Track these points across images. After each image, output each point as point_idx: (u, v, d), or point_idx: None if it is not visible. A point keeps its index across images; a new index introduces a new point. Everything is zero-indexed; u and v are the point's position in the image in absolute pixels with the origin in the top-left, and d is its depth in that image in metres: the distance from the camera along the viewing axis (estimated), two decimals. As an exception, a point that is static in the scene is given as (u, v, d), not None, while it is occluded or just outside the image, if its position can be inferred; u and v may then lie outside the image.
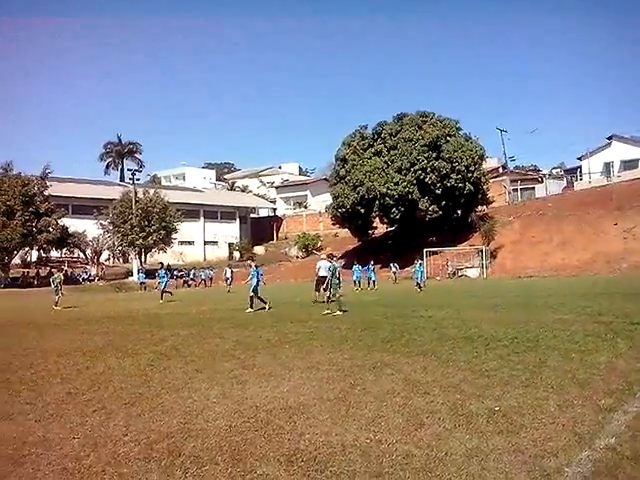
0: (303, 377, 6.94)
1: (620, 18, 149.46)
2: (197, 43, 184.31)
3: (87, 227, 50.87)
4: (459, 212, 47.80)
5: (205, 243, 66.69)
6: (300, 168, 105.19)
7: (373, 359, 7.98)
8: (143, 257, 51.75)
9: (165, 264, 29.08)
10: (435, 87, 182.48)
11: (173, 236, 52.57)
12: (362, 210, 45.55)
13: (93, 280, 49.30)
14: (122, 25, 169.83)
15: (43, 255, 51.43)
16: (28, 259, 52.28)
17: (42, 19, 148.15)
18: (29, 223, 45.26)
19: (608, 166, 55.86)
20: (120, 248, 52.98)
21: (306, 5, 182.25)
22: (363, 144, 47.46)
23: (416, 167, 43.15)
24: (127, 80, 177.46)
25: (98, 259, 53.77)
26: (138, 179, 53.09)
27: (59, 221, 47.94)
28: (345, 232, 54.79)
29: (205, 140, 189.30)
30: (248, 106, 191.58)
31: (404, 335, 10.39)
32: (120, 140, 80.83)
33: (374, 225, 50.27)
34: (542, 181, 59.47)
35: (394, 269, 37.50)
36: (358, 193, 44.65)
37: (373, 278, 31.82)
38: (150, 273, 40.87)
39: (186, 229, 57.11)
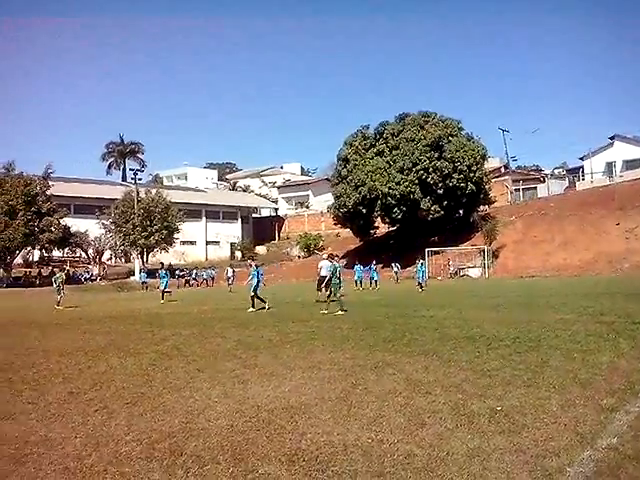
0: (305, 377, 6.94)
1: (620, 18, 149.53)
2: (197, 43, 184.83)
3: (89, 227, 50.92)
4: (461, 212, 47.79)
5: (207, 243, 66.76)
6: (302, 168, 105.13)
7: (375, 359, 7.98)
8: (145, 257, 51.79)
9: (166, 264, 29.14)
10: (435, 87, 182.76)
11: (175, 236, 52.62)
12: (364, 210, 45.55)
13: (95, 280, 49.36)
14: (122, 25, 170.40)
15: (45, 255, 51.55)
16: (30, 259, 52.39)
17: (42, 19, 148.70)
18: (31, 223, 45.34)
19: (610, 166, 55.76)
20: (122, 248, 53.04)
21: (306, 5, 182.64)
22: (365, 144, 47.47)
23: (418, 167, 43.14)
24: (127, 80, 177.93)
25: (100, 259, 53.84)
26: (140, 179, 53.23)
27: (61, 221, 48.01)
28: (347, 232, 54.80)
29: (207, 140, 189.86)
30: (249, 106, 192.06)
31: (406, 335, 10.38)
32: (122, 140, 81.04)
33: (376, 225, 50.27)
34: (544, 181, 59.39)
35: (396, 269, 37.49)
36: (360, 193, 44.65)
37: (375, 278, 31.81)
38: (152, 273, 40.91)
39: (188, 229, 57.15)
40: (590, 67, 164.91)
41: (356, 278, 31.21)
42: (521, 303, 16.99)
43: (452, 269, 42.49)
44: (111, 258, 56.79)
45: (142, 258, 51.20)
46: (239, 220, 70.46)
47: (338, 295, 16.09)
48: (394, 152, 45.12)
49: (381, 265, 36.94)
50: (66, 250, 51.73)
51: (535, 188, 58.20)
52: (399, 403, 5.54)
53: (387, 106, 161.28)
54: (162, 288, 24.74)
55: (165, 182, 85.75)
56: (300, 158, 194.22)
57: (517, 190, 57.84)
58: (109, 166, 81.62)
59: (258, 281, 17.82)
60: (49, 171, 49.68)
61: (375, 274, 32.10)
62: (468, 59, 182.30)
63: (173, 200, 52.98)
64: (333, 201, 49.50)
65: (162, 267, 26.17)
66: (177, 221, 51.94)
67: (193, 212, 61.53)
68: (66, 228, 48.69)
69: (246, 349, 9.35)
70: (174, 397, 6.13)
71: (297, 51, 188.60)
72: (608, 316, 12.05)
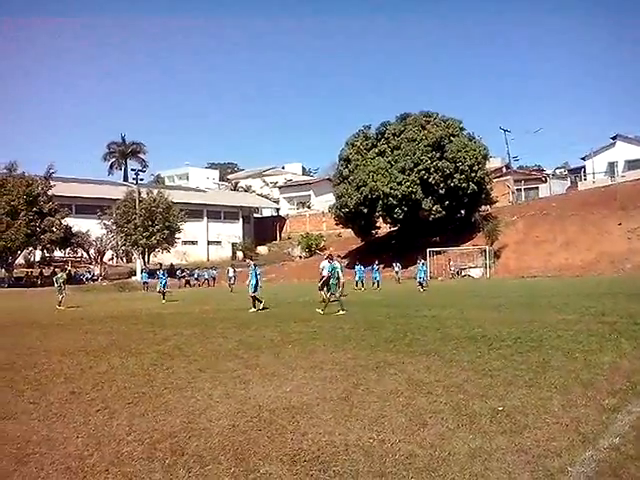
0: (306, 377, 6.94)
1: (620, 18, 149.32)
2: (197, 43, 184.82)
3: (90, 227, 50.95)
4: (462, 212, 47.71)
5: (208, 243, 66.79)
6: (303, 168, 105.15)
7: (376, 359, 7.98)
8: (146, 257, 51.82)
9: (167, 264, 29.34)
10: (436, 87, 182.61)
11: (176, 236, 52.64)
12: (365, 210, 45.51)
13: (96, 280, 49.41)
14: (122, 25, 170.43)
15: (47, 255, 51.64)
16: (32, 259, 52.47)
17: (42, 19, 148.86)
18: (33, 223, 45.39)
19: (612, 166, 55.64)
20: (123, 248, 53.10)
21: (306, 5, 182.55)
22: (366, 144, 47.44)
23: (420, 167, 43.09)
24: (128, 80, 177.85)
25: (101, 259, 53.88)
26: (142, 179, 53.31)
27: (63, 221, 48.04)
28: (348, 232, 54.76)
29: (208, 140, 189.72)
30: (250, 106, 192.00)
31: (407, 335, 10.38)
32: (124, 140, 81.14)
33: (377, 225, 50.20)
34: (546, 181, 59.32)
35: (397, 269, 37.46)
36: (361, 193, 44.62)
37: (378, 278, 31.77)
38: (153, 273, 40.93)
39: (189, 229, 57.20)
40: (590, 67, 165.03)
41: (357, 278, 31.19)
42: (523, 303, 16.97)
43: (453, 269, 42.44)
44: (112, 258, 56.84)
45: (143, 258, 51.22)
46: (240, 220, 70.49)
47: (337, 295, 16.07)
48: (395, 152, 45.08)
49: (382, 265, 36.92)
50: (68, 250, 51.80)
51: (537, 188, 58.13)
52: (401, 403, 5.54)
53: (388, 106, 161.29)
54: (159, 288, 24.98)
55: (166, 182, 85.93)
56: (301, 158, 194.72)
57: (519, 190, 57.78)
58: (111, 166, 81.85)
59: (257, 281, 17.78)
60: (51, 171, 49.76)
61: (378, 274, 32.05)
62: (468, 59, 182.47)
63: (175, 200, 53.00)
64: (334, 201, 49.44)
65: (160, 268, 26.43)
66: (178, 221, 51.96)
67: (194, 212, 61.59)
68: (68, 228, 48.75)
69: (248, 349, 9.35)
70: (175, 397, 6.14)
71: (297, 51, 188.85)
72: (610, 316, 12.03)
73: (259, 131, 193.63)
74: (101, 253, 53.71)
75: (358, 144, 47.36)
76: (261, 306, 17.30)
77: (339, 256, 36.24)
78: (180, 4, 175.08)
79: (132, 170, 56.88)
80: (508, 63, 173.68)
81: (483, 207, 49.19)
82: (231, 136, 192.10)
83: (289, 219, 72.53)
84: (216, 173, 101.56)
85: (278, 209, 77.64)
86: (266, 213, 78.86)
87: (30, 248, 49.06)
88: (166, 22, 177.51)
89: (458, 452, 4.13)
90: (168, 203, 51.45)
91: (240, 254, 63.25)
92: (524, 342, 8.96)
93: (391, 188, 43.16)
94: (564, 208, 45.46)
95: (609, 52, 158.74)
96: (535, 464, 3.87)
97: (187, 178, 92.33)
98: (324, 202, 64.37)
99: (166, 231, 50.01)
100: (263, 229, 71.44)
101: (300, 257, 59.57)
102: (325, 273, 18.08)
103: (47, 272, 46.45)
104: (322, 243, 59.53)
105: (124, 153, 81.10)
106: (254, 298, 17.44)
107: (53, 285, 23.83)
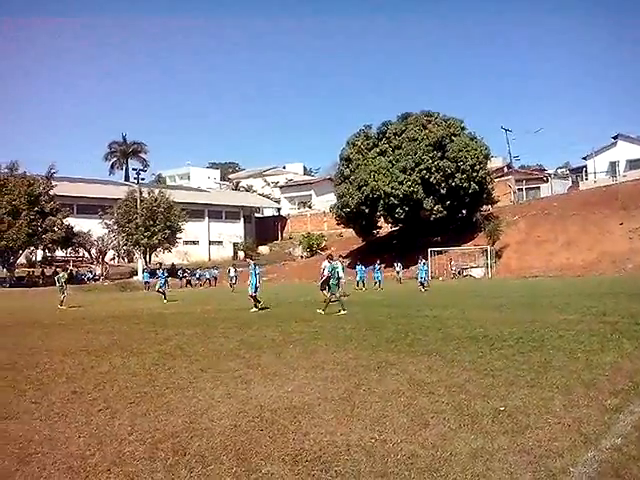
0: (308, 377, 6.94)
1: (620, 18, 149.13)
2: (197, 43, 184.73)
3: (92, 227, 51.03)
4: (464, 212, 47.71)
5: (210, 243, 66.85)
6: (304, 168, 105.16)
7: (378, 359, 7.97)
8: (148, 257, 51.88)
9: (168, 264, 29.42)
10: (436, 87, 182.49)
11: (178, 236, 52.70)
12: (366, 210, 45.51)
13: (98, 279, 49.49)
14: (122, 25, 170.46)
15: (48, 254, 51.65)
16: (33, 258, 52.57)
17: (42, 19, 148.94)
18: (34, 223, 45.45)
19: (614, 166, 55.58)
20: (125, 248, 53.14)
21: (306, 5, 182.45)
22: (367, 144, 47.43)
23: (421, 167, 43.09)
24: (128, 80, 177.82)
25: (103, 258, 53.92)
26: (143, 179, 53.38)
27: (64, 221, 48.13)
28: (349, 232, 54.78)
29: (210, 140, 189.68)
30: (251, 106, 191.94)
31: (409, 335, 10.37)
32: (125, 140, 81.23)
33: (379, 225, 50.21)
34: (547, 181, 59.29)
35: (398, 269, 37.45)
36: (362, 193, 44.61)
37: (379, 278, 31.76)
38: (155, 273, 40.94)
39: (191, 229, 57.26)
40: (590, 67, 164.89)
41: (358, 278, 31.19)
42: (524, 303, 16.96)
43: (455, 269, 42.42)
44: (114, 258, 56.87)
45: (145, 258, 51.28)
46: (242, 220, 70.53)
47: (337, 295, 16.06)
48: (397, 152, 45.07)
49: (384, 265, 36.92)
50: (69, 250, 51.88)
51: (538, 188, 58.11)
52: (402, 403, 5.53)
53: (388, 106, 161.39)
54: (157, 288, 25.12)
55: (168, 182, 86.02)
56: (302, 158, 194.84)
57: (520, 190, 57.75)
58: (112, 166, 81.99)
59: (256, 280, 17.74)
60: (52, 171, 49.85)
61: (379, 274, 32.04)
62: (468, 59, 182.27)
63: (176, 200, 53.08)
64: (336, 201, 49.46)
65: (160, 267, 26.53)
66: (180, 221, 52.03)
67: (196, 212, 61.67)
68: (69, 228, 48.83)
69: (249, 349, 9.36)
70: (177, 397, 6.14)
71: (297, 51, 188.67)
72: (612, 316, 12.02)
73: (260, 131, 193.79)
74: (102, 253, 53.76)
75: (359, 144, 47.36)
76: (259, 307, 17.30)
77: (340, 256, 36.18)
78: (180, 4, 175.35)
79: (133, 170, 57.01)
80: (508, 63, 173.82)
81: (484, 207, 49.18)
82: (232, 136, 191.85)
83: (290, 219, 72.57)
84: (217, 173, 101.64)
85: (279, 209, 77.67)
86: (267, 213, 78.89)
87: (32, 248, 49.18)
88: (166, 22, 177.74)
89: (460, 452, 4.13)
90: (169, 203, 51.52)
91: (241, 254, 63.27)
92: (526, 342, 8.95)
93: (392, 188, 43.15)
94: (565, 208, 45.43)
95: (609, 52, 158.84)
96: (537, 464, 3.86)
97: (188, 178, 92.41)
98: (325, 202, 64.39)
99: (167, 231, 50.09)
100: (264, 229, 71.48)
101: (301, 257, 59.59)
102: (326, 273, 18.10)
103: (49, 272, 46.46)
104: (323, 243, 59.55)
105: (125, 153, 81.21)
106: (254, 298, 17.44)
107: (55, 285, 23.88)
